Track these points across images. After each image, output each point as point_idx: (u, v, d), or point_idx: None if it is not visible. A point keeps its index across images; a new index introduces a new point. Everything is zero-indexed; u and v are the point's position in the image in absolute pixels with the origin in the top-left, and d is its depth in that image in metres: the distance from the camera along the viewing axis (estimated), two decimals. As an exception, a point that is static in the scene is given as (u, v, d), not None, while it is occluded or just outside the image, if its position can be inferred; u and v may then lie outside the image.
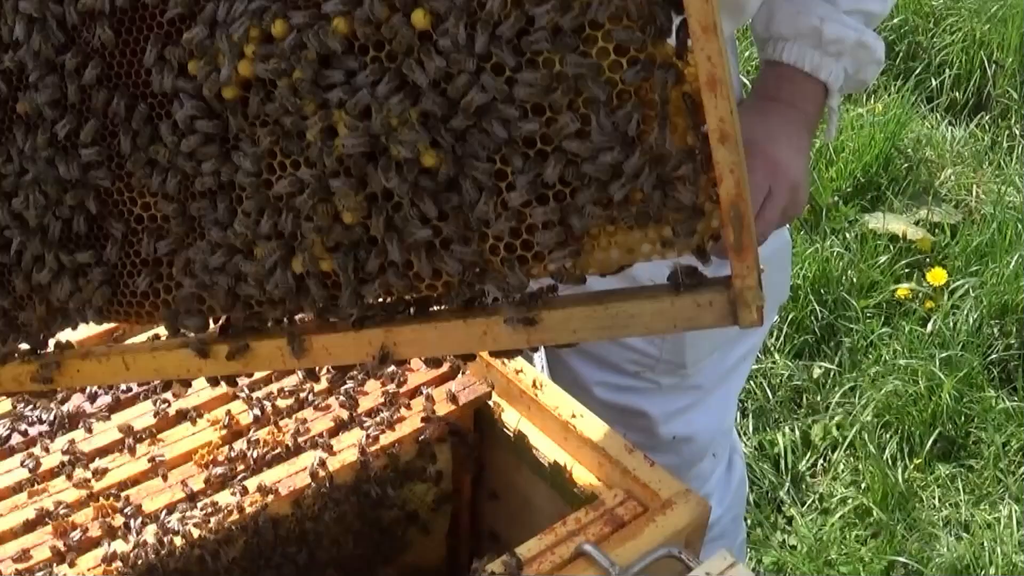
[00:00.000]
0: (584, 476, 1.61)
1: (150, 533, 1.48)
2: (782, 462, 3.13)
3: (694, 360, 2.01)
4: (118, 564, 1.44)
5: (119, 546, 1.46)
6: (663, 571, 1.42)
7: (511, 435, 1.68)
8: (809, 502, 3.07)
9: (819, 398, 3.32)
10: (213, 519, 1.49)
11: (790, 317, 3.41)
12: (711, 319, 1.17)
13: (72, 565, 1.44)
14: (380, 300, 1.25)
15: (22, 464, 1.59)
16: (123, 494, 1.54)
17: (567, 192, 1.13)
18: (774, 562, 2.89)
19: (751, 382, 3.25)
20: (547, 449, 1.64)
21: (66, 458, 1.59)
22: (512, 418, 1.69)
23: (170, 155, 1.23)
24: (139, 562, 1.45)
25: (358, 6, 1.09)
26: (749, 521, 2.89)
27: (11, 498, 1.55)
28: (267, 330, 1.32)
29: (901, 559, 2.86)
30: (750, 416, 3.22)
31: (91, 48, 1.22)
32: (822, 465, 3.16)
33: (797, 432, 3.21)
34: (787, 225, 2.01)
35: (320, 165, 1.16)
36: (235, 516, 1.50)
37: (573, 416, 1.62)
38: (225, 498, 1.53)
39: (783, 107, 1.74)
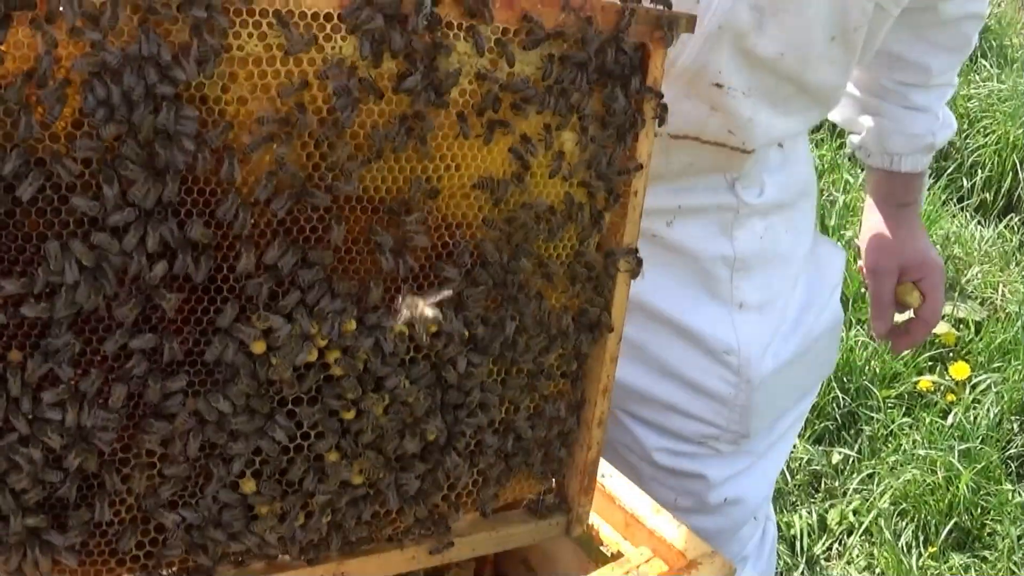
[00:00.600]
0: (610, 535, 1.64)
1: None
2: (798, 544, 3.15)
3: (756, 429, 2.06)
4: None
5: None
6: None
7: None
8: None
9: (837, 483, 3.35)
10: None
11: (812, 403, 3.45)
12: (555, 532, 1.56)
13: None
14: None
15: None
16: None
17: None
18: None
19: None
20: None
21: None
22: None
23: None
24: None
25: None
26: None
27: None
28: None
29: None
30: (768, 497, 3.24)
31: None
32: (837, 549, 3.19)
33: (814, 515, 3.24)
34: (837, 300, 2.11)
35: (350, 441, 1.28)
36: None
37: (602, 476, 1.66)
38: None
39: (913, 208, 2.19)
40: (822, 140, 5.01)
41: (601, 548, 1.64)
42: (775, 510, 3.20)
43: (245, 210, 1.13)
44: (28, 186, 1.04)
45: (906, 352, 3.70)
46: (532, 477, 1.51)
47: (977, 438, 3.40)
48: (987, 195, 4.56)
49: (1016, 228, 4.45)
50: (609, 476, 1.67)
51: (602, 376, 1.49)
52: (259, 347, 1.17)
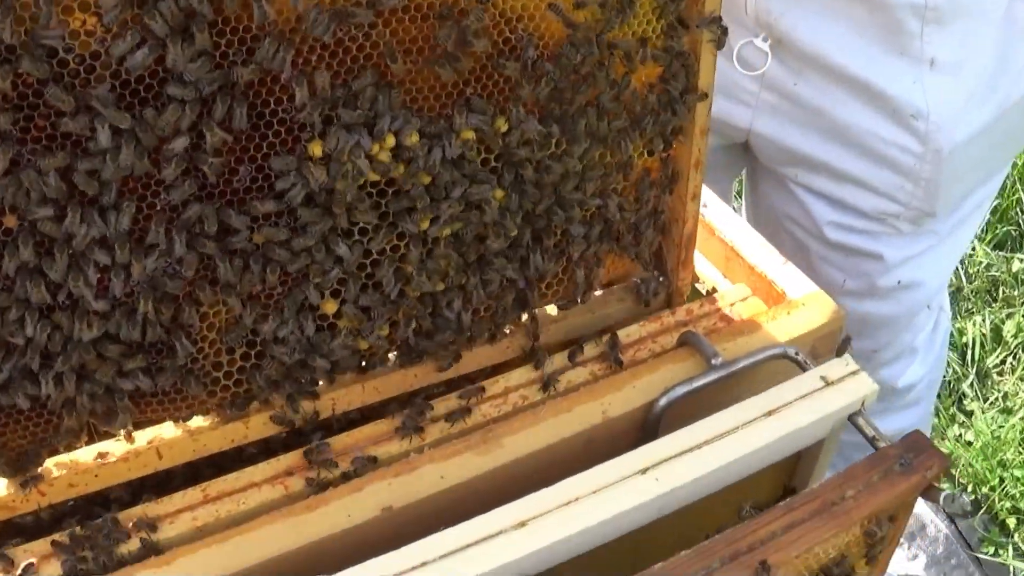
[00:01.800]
0: (708, 270, 1.45)
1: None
2: (969, 353, 2.87)
3: (942, 208, 1.83)
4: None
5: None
6: (778, 375, 1.25)
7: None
8: (992, 399, 2.81)
9: (1016, 292, 3.03)
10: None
11: (994, 205, 3.11)
12: (656, 308, 1.39)
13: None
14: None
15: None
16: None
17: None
18: (946, 454, 2.65)
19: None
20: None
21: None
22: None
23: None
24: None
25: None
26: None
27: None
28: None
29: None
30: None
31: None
32: (1011, 363, 2.89)
33: (988, 325, 2.94)
34: None
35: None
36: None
37: (704, 205, 1.45)
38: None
39: None
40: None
41: (696, 285, 1.44)
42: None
43: (286, 48, 1.00)
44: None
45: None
46: (625, 259, 1.36)
47: None
48: None
49: None
50: (709, 206, 1.45)
51: (693, 149, 1.29)
52: (320, 174, 1.07)
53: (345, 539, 1.12)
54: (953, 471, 2.64)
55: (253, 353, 1.16)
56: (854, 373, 1.22)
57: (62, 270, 1.01)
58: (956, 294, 3.00)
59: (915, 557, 2.57)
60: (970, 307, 2.98)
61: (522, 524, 1.07)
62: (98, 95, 0.96)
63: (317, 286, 1.13)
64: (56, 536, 1.12)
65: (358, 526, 1.13)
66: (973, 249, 3.07)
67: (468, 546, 1.06)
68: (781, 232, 1.96)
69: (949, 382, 2.82)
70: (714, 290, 1.41)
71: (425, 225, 1.14)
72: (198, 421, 1.19)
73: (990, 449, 2.65)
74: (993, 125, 1.77)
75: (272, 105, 1.04)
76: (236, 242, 1.07)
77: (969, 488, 2.64)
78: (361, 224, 1.12)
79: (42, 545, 1.11)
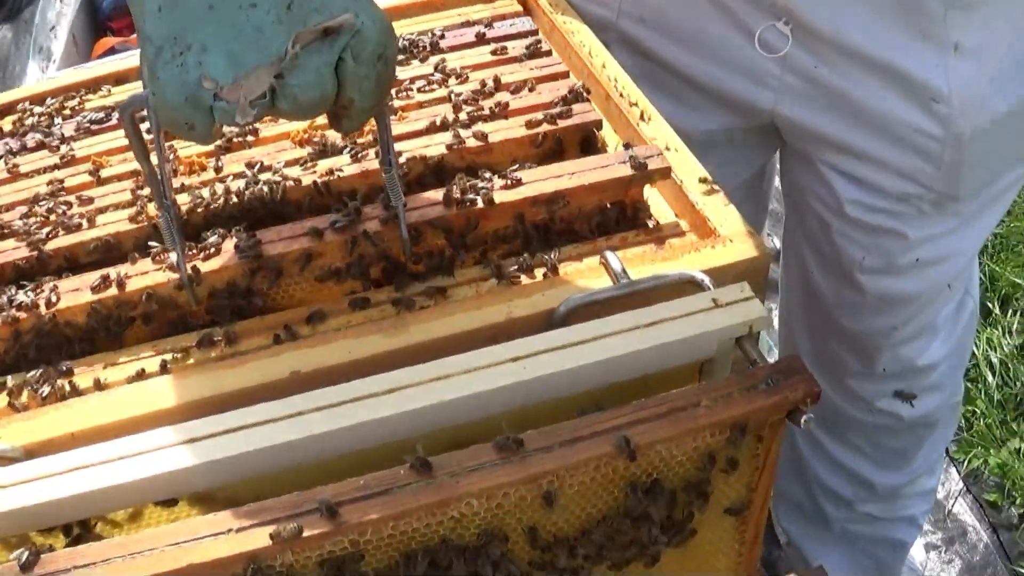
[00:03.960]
0: (659, 207, 1.52)
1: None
2: (1028, 369, 2.83)
3: (966, 192, 1.86)
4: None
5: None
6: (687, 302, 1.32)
7: (605, 158, 1.62)
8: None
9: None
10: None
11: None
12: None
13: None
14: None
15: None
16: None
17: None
18: (999, 465, 2.62)
19: None
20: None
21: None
22: (613, 146, 1.62)
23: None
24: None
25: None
26: (987, 420, 2.64)
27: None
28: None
29: None
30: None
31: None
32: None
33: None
34: None
35: None
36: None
37: (667, 148, 1.53)
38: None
39: None
40: None
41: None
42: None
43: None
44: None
45: None
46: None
47: None
48: None
49: None
50: (675, 151, 1.53)
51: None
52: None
53: (254, 395, 1.25)
54: (1006, 482, 2.61)
55: None
56: (747, 299, 1.29)
57: None
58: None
59: (951, 561, 2.55)
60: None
61: (391, 391, 1.19)
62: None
63: None
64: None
65: (267, 384, 1.26)
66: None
67: (342, 403, 1.18)
68: (805, 208, 2.00)
69: (1016, 394, 2.77)
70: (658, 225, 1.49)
71: None
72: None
73: (1040, 458, 2.61)
74: (1019, 110, 1.78)
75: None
76: None
77: (1019, 501, 2.60)
78: None
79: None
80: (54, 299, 1.37)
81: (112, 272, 1.38)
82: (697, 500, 1.25)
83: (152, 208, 1.52)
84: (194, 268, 1.37)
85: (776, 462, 1.29)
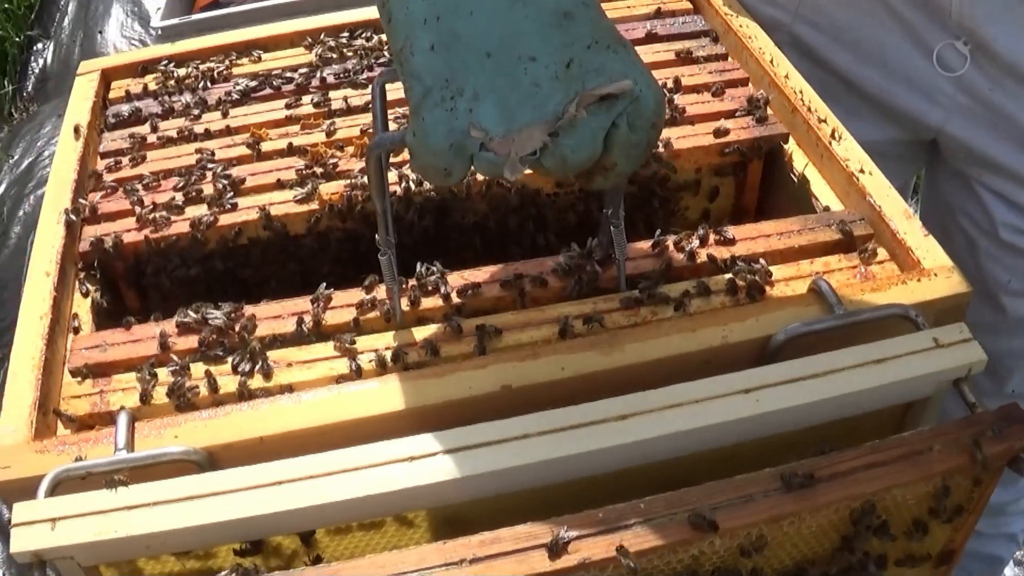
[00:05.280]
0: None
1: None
2: None
3: None
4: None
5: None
6: (894, 333, 1.31)
7: (795, 179, 1.60)
8: None
9: None
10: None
11: None
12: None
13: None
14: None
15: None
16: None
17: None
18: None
19: None
20: (826, 199, 1.55)
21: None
22: (800, 162, 1.60)
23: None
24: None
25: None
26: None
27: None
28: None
29: None
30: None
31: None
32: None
33: None
34: None
35: None
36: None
37: (861, 171, 1.51)
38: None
39: None
40: None
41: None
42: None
43: None
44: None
45: None
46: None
47: None
48: None
49: None
50: (868, 173, 1.51)
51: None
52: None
53: (462, 409, 1.24)
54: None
55: None
56: (966, 340, 1.27)
57: None
58: None
59: None
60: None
61: (623, 417, 1.18)
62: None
63: None
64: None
65: (476, 398, 1.24)
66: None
67: (570, 427, 1.17)
68: (952, 227, 1.98)
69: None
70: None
71: None
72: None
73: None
74: None
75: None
76: None
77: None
78: None
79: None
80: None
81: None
82: (916, 536, 1.24)
83: (324, 189, 1.51)
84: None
85: (984, 507, 1.28)
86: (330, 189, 1.53)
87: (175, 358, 1.30)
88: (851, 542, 1.19)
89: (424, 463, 1.14)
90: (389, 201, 1.27)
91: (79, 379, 1.31)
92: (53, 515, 1.10)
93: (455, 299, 1.36)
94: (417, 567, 1.05)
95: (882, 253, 1.44)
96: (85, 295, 1.46)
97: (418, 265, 1.38)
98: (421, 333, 1.32)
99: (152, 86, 1.80)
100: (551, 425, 1.17)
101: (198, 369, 1.29)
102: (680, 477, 1.14)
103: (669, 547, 1.08)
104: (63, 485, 1.15)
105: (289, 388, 1.28)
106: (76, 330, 1.41)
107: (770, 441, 1.23)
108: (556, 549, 1.06)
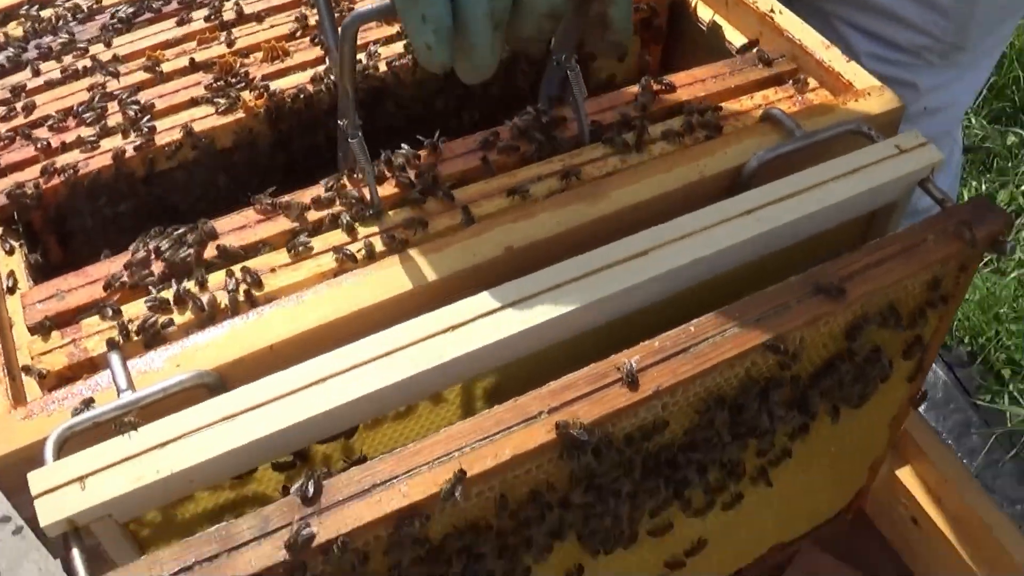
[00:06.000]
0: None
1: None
2: (962, 221, 3.01)
3: (972, 43, 1.96)
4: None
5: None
6: (845, 150, 1.36)
7: (704, 29, 1.63)
8: (985, 259, 2.95)
9: (1010, 164, 3.17)
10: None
11: (991, 81, 3.24)
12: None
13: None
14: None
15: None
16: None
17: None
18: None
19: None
20: (741, 42, 1.59)
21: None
22: (706, 13, 1.63)
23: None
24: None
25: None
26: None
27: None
28: None
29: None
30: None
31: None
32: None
33: (983, 191, 3.08)
34: None
35: None
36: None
37: (772, 11, 1.55)
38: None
39: None
40: None
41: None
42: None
43: None
44: None
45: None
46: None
47: None
48: None
49: None
50: (780, 13, 1.55)
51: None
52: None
53: (467, 279, 1.22)
54: (951, 324, 2.79)
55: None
56: (923, 144, 1.33)
57: None
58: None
59: (916, 400, 2.72)
60: (965, 176, 3.11)
61: (644, 253, 1.19)
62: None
63: None
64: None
65: (481, 265, 1.23)
66: (970, 122, 3.21)
67: (595, 272, 1.17)
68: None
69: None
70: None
71: None
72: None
73: (987, 304, 2.79)
74: None
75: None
76: None
77: (966, 340, 2.79)
78: None
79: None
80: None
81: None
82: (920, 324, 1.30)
83: (248, 95, 1.45)
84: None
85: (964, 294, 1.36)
86: (251, 96, 1.47)
87: (152, 289, 1.22)
88: (856, 338, 1.24)
89: (466, 330, 1.11)
90: (355, 86, 1.23)
91: (42, 335, 1.19)
92: (77, 474, 0.98)
93: (426, 176, 1.32)
94: (497, 428, 1.02)
95: (812, 82, 1.49)
96: (10, 252, 1.34)
97: (381, 152, 1.34)
98: (403, 214, 1.29)
99: (19, 33, 1.68)
100: (578, 271, 1.16)
101: (172, 295, 1.21)
102: (692, 312, 1.15)
103: (727, 363, 1.10)
104: (68, 444, 1.03)
105: (282, 293, 1.22)
106: (11, 290, 1.30)
107: (762, 264, 1.26)
108: (633, 380, 1.06)
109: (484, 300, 1.13)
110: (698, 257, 1.19)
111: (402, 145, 1.34)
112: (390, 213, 1.30)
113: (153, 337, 1.16)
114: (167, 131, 1.44)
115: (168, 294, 1.20)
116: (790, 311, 1.14)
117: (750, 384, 1.15)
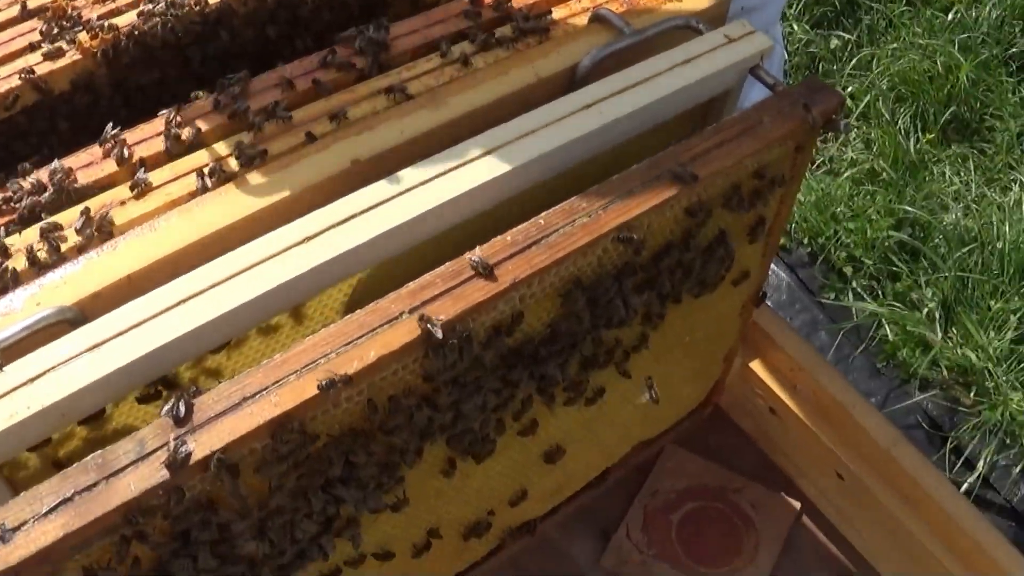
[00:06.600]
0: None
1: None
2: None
3: None
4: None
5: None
6: (678, 43, 1.38)
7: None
8: (818, 162, 3.04)
9: (835, 67, 3.26)
10: None
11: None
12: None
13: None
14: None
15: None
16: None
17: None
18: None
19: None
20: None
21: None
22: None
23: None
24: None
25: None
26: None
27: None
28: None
29: (910, 212, 2.83)
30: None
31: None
32: (832, 134, 3.12)
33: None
34: None
35: None
36: None
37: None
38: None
39: None
40: None
41: None
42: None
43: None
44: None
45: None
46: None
47: (978, 39, 3.29)
48: None
49: None
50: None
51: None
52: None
53: (317, 193, 1.21)
54: (789, 226, 2.86)
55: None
56: (751, 33, 1.36)
57: None
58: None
59: (761, 304, 2.79)
60: (790, 81, 3.19)
61: (488, 152, 1.19)
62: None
63: None
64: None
65: (330, 179, 1.22)
66: (792, 28, 3.28)
67: (437, 176, 1.17)
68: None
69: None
70: None
71: None
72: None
73: (823, 204, 2.88)
74: None
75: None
76: None
77: (805, 241, 2.87)
78: None
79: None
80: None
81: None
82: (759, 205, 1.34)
83: (82, 38, 1.40)
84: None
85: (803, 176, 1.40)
86: (87, 37, 1.42)
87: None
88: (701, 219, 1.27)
89: (318, 241, 1.10)
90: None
91: None
92: (-56, 423, 0.95)
93: (264, 101, 1.30)
94: (361, 332, 1.02)
95: None
96: None
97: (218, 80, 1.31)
98: (243, 137, 1.27)
99: None
100: (424, 176, 1.16)
101: (26, 236, 1.17)
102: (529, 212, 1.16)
103: (580, 251, 1.12)
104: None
105: (135, 224, 1.19)
106: None
107: (612, 161, 1.28)
108: (489, 273, 1.07)
109: (333, 211, 1.13)
110: (543, 152, 1.19)
111: (236, 73, 1.32)
112: (231, 139, 1.27)
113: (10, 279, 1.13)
114: (5, 79, 1.38)
115: (15, 239, 1.16)
116: (636, 196, 1.16)
117: (604, 273, 1.17)
